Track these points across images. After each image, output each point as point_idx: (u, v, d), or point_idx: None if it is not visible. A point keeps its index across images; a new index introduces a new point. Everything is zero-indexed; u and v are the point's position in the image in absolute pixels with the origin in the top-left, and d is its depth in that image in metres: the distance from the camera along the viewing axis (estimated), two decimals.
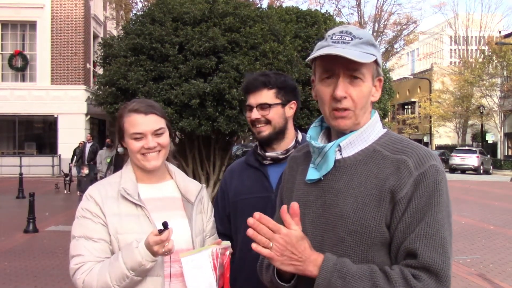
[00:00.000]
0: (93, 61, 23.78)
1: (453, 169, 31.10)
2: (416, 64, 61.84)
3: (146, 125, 1.84)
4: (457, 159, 31.31)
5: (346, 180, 1.40)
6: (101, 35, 26.30)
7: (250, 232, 1.35)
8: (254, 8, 9.34)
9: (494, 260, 7.78)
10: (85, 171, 10.91)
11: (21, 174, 15.78)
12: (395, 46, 37.91)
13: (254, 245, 1.34)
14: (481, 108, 35.97)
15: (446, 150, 37.46)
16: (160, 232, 1.63)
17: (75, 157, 17.42)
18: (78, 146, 17.74)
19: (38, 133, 25.39)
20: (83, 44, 23.93)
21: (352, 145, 1.43)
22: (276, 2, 28.42)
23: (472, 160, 30.87)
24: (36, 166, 22.71)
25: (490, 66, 36.62)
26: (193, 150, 9.28)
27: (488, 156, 33.89)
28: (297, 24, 10.34)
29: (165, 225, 1.64)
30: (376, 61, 1.42)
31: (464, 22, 44.75)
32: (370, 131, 1.45)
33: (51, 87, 23.60)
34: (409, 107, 51.40)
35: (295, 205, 1.37)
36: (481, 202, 15.52)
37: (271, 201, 2.11)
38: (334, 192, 1.42)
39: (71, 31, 23.83)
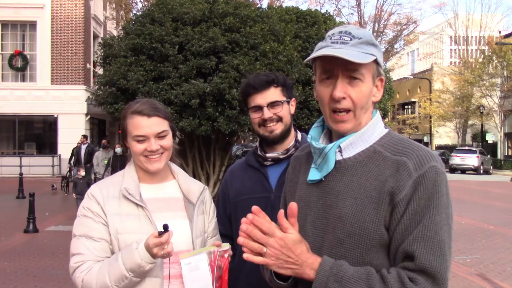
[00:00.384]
0: (93, 61, 23.78)
1: (453, 169, 31.09)
2: (416, 64, 61.82)
3: (149, 128, 1.83)
4: (457, 159, 31.31)
5: (346, 181, 1.40)
6: (101, 35, 26.30)
7: (240, 240, 1.33)
8: (254, 8, 9.34)
9: (494, 260, 7.78)
10: (82, 173, 10.66)
11: (21, 174, 15.78)
12: (395, 46, 37.89)
13: (245, 255, 1.33)
14: (481, 108, 35.96)
15: (446, 150, 37.47)
16: (160, 234, 1.63)
17: (73, 157, 17.19)
18: (76, 146, 17.46)
19: (38, 133, 25.38)
20: (83, 44, 23.92)
21: (352, 145, 1.42)
22: (276, 2, 28.41)
23: (472, 160, 30.87)
24: (36, 166, 22.71)
25: (490, 66, 36.62)
26: (193, 150, 9.28)
27: (488, 156, 33.89)
28: (297, 24, 10.34)
29: (165, 227, 1.63)
30: (376, 61, 1.41)
31: (464, 22, 44.74)
32: (371, 131, 1.44)
33: (51, 87, 23.60)
34: (409, 107, 51.39)
35: (293, 205, 1.35)
36: (481, 202, 15.52)
37: (270, 201, 2.11)
38: (334, 193, 1.41)
39: (71, 31, 23.83)
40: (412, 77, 50.94)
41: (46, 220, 10.74)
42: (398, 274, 1.27)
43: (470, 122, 41.38)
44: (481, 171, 30.88)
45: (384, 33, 36.46)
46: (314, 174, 1.47)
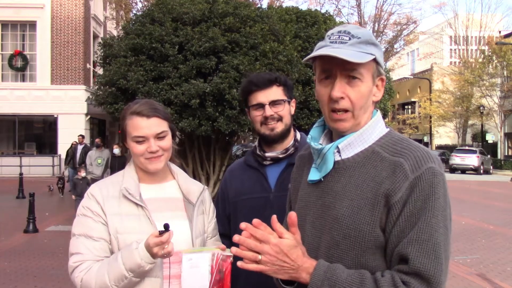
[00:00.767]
0: (93, 61, 23.77)
1: (453, 169, 31.09)
2: (416, 64, 61.81)
3: (148, 129, 1.83)
4: (457, 159, 31.30)
5: (344, 182, 1.39)
6: (101, 35, 26.30)
7: (233, 250, 1.33)
8: (254, 8, 9.34)
9: (494, 260, 7.78)
10: (82, 173, 10.55)
11: (21, 174, 15.78)
12: (395, 46, 37.85)
13: (239, 263, 1.32)
14: (481, 108, 35.96)
15: (446, 150, 37.46)
16: (161, 233, 1.63)
17: (68, 158, 16.80)
18: (71, 147, 17.07)
19: (38, 133, 25.38)
20: (83, 44, 23.92)
21: (351, 146, 1.42)
22: (276, 2, 28.39)
23: (472, 160, 30.86)
24: (36, 166, 22.71)
25: (490, 66, 36.61)
26: (193, 150, 9.28)
27: (488, 156, 33.89)
28: (297, 24, 10.34)
29: (166, 226, 1.63)
30: (376, 60, 1.40)
31: (464, 22, 44.73)
32: (371, 131, 1.42)
33: (51, 87, 23.60)
34: (409, 107, 51.39)
35: (292, 215, 1.35)
36: (481, 202, 15.52)
37: (269, 201, 2.12)
38: (332, 194, 1.41)
39: (71, 31, 23.83)
40: (412, 77, 50.94)
41: (46, 220, 10.74)
42: (392, 277, 1.26)
43: (470, 122, 41.38)
44: (481, 171, 30.88)
45: (384, 33, 36.44)
46: (313, 175, 1.47)
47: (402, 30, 37.10)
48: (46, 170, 22.86)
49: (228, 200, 2.24)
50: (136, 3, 25.39)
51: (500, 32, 41.75)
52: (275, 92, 2.13)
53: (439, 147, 43.29)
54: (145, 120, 1.83)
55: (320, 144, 1.48)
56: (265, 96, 2.12)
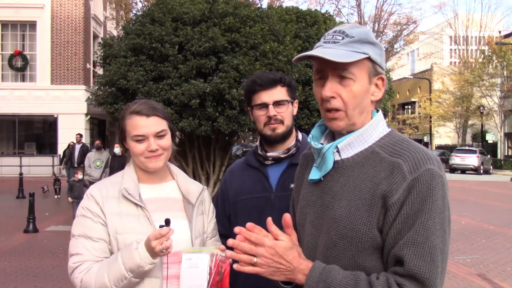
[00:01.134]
0: (93, 61, 23.77)
1: (453, 169, 31.10)
2: (416, 64, 61.81)
3: (148, 128, 1.83)
4: (457, 159, 31.31)
5: (343, 182, 1.39)
6: (101, 35, 26.30)
7: (228, 253, 1.34)
8: (254, 8, 9.34)
9: (494, 260, 7.78)
10: (79, 175, 10.24)
11: (21, 174, 15.76)
12: (395, 46, 37.85)
13: (236, 266, 1.33)
14: (481, 108, 35.96)
15: (446, 150, 37.47)
16: (161, 228, 1.64)
17: (64, 159, 16.22)
18: (68, 147, 16.51)
19: (38, 133, 25.38)
20: (83, 44, 23.93)
21: (351, 146, 1.41)
22: (276, 2, 28.40)
23: (472, 160, 30.87)
24: (36, 166, 22.71)
25: (490, 66, 36.61)
26: (193, 150, 9.28)
27: (488, 156, 33.89)
28: (297, 24, 10.34)
29: (167, 221, 1.64)
30: (372, 59, 1.38)
31: (464, 22, 44.73)
32: (371, 131, 1.41)
33: (51, 87, 23.60)
34: (409, 107, 51.39)
35: (287, 217, 1.37)
36: (481, 202, 15.52)
37: (270, 201, 2.11)
38: (331, 193, 1.41)
39: (71, 31, 23.83)
40: (412, 77, 50.94)
41: (46, 220, 10.74)
42: (386, 279, 1.26)
43: (470, 122, 41.38)
44: (481, 171, 30.88)
45: (384, 33, 36.44)
46: (314, 174, 1.47)
47: (402, 30, 37.11)
48: (46, 170, 22.86)
49: (228, 200, 2.24)
50: (136, 3, 25.40)
51: (500, 32, 41.75)
52: (279, 93, 2.13)
53: (439, 147, 43.29)
54: (144, 119, 1.83)
55: (321, 143, 1.48)
56: (269, 96, 2.11)
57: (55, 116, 23.76)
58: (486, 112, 36.62)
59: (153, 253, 1.65)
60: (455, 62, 50.56)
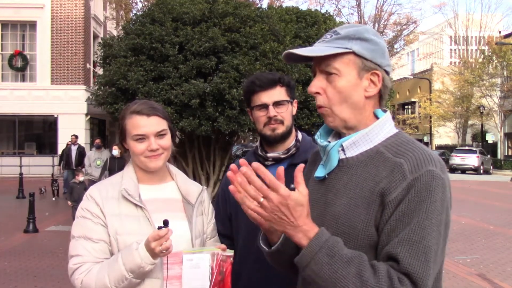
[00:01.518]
0: (93, 61, 23.78)
1: (453, 169, 31.09)
2: (416, 64, 61.81)
3: (148, 127, 1.83)
4: (457, 159, 31.31)
5: (346, 180, 1.40)
6: (101, 35, 26.30)
7: (232, 188, 1.30)
8: (254, 8, 9.34)
9: (494, 260, 7.78)
10: (80, 177, 10.05)
11: (21, 174, 15.76)
12: (395, 46, 37.87)
13: (231, 188, 1.29)
14: (481, 108, 35.97)
15: (446, 150, 37.46)
16: (160, 229, 1.63)
17: (62, 160, 15.86)
18: (66, 147, 16.17)
19: (38, 133, 25.39)
20: (83, 44, 23.93)
21: (355, 145, 1.41)
22: (276, 2, 28.40)
23: (472, 160, 30.87)
24: (36, 166, 22.70)
25: (490, 66, 36.62)
26: (193, 150, 9.28)
27: (488, 156, 33.90)
28: (297, 24, 10.34)
29: (165, 222, 1.64)
30: (358, 54, 1.38)
31: (464, 22, 44.73)
32: (377, 131, 1.41)
33: (51, 87, 23.60)
34: (409, 107, 51.40)
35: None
36: (481, 202, 15.52)
37: None
38: (334, 191, 1.41)
39: (71, 31, 23.83)
40: (412, 77, 50.94)
41: (46, 220, 10.74)
42: (387, 269, 1.24)
43: (470, 122, 41.38)
44: (481, 171, 30.89)
45: (384, 33, 36.44)
46: (320, 171, 1.48)
47: (402, 30, 37.13)
48: (46, 170, 22.84)
49: (230, 200, 2.24)
50: (136, 3, 25.42)
51: (500, 32, 41.76)
52: (279, 93, 2.13)
53: (439, 147, 43.30)
54: (145, 118, 1.83)
55: (328, 141, 1.48)
56: (268, 96, 2.12)
57: (55, 116, 23.76)
58: (486, 112, 36.63)
59: (153, 253, 1.65)
60: (455, 62, 50.56)
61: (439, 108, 40.45)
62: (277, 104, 2.11)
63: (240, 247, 2.13)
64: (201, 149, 9.31)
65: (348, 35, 1.39)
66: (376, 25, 35.85)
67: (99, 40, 13.02)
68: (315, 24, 10.54)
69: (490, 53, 36.48)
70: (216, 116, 7.91)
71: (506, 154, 38.53)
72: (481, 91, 36.89)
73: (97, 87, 9.41)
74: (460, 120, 41.48)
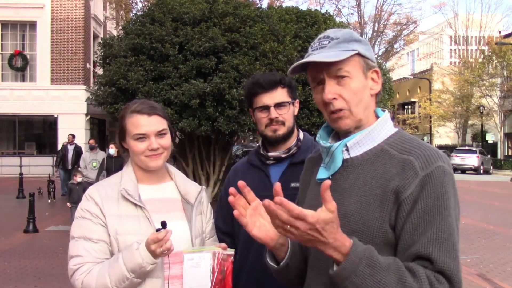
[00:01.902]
0: (93, 61, 23.78)
1: (453, 169, 30.73)
2: (416, 64, 61.84)
3: (149, 126, 1.83)
4: (457, 159, 31.30)
5: (353, 179, 1.40)
6: (101, 35, 26.30)
7: (236, 213, 1.36)
8: (254, 8, 9.35)
9: (494, 260, 7.78)
10: (78, 178, 9.79)
11: (21, 174, 15.75)
12: (395, 46, 37.90)
13: (254, 231, 1.34)
14: (481, 108, 35.97)
15: (446, 150, 37.45)
16: (158, 231, 1.63)
17: (57, 159, 15.47)
18: (62, 147, 15.75)
19: (38, 133, 25.38)
20: (83, 44, 23.92)
21: (359, 144, 1.43)
22: (276, 2, 28.40)
23: (472, 160, 30.87)
24: (36, 166, 22.70)
25: (490, 66, 36.62)
26: (193, 150, 9.28)
27: (488, 156, 33.90)
28: (297, 24, 10.33)
29: (163, 224, 1.63)
30: (362, 55, 1.41)
31: (464, 22, 44.73)
32: (379, 130, 1.44)
33: (51, 87, 23.60)
34: (409, 107, 51.40)
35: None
36: (481, 202, 15.52)
37: (271, 200, 2.12)
38: (340, 191, 1.42)
39: (71, 31, 23.83)
40: (412, 77, 50.95)
41: (46, 220, 10.74)
42: (425, 271, 1.25)
43: (470, 122, 41.39)
44: (481, 171, 30.89)
45: (384, 33, 36.48)
46: (322, 173, 1.49)
47: (402, 30, 37.13)
48: (46, 170, 22.82)
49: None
50: (136, 3, 25.41)
51: (500, 32, 41.76)
52: (280, 94, 2.14)
53: (439, 147, 43.22)
54: (146, 117, 1.84)
55: (329, 143, 1.49)
56: (270, 98, 2.13)
57: (55, 116, 23.76)
58: (486, 112, 36.63)
59: (154, 254, 1.66)
60: (455, 62, 50.56)
61: (439, 108, 40.46)
62: (278, 105, 2.13)
63: (241, 246, 2.15)
64: (201, 149, 9.32)
65: (346, 38, 1.41)
66: (376, 25, 35.88)
67: (99, 40, 13.00)
68: (315, 24, 10.53)
69: (490, 53, 36.48)
70: (216, 116, 7.91)
71: (506, 154, 38.53)
72: (481, 91, 36.89)
73: (97, 87, 9.42)
74: (460, 120, 41.49)
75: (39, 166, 22.72)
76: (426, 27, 60.41)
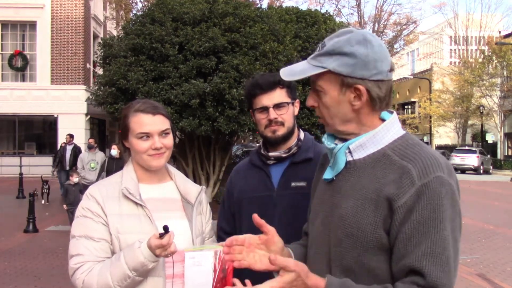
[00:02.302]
0: (93, 61, 23.78)
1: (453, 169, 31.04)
2: (416, 64, 61.85)
3: (153, 126, 1.84)
4: (457, 159, 31.28)
5: (353, 182, 1.41)
6: (101, 35, 26.30)
7: (236, 264, 1.44)
8: (254, 8, 9.35)
9: (494, 260, 7.78)
10: (74, 179, 9.59)
11: (21, 174, 15.75)
12: (395, 46, 37.87)
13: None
14: (481, 108, 35.97)
15: (446, 150, 37.45)
16: (161, 236, 1.62)
17: (55, 159, 15.05)
18: (61, 147, 15.40)
19: (38, 133, 25.38)
20: (83, 44, 23.92)
21: (363, 147, 1.42)
22: (276, 2, 28.40)
23: (472, 160, 30.87)
24: (36, 166, 22.69)
25: (490, 66, 36.62)
26: (193, 150, 9.29)
27: (488, 156, 33.89)
28: (297, 24, 10.34)
29: (165, 228, 1.62)
30: (335, 72, 1.37)
31: (464, 22, 44.74)
32: (384, 134, 1.42)
33: (51, 87, 23.60)
34: (409, 107, 51.40)
35: (256, 217, 1.46)
36: (481, 202, 15.52)
37: (272, 199, 2.16)
38: (341, 193, 1.43)
39: (71, 31, 23.83)
40: (412, 77, 50.95)
41: (46, 220, 10.74)
42: None
43: (470, 122, 41.39)
44: (481, 171, 30.89)
45: (384, 33, 36.47)
46: (328, 173, 1.50)
47: (402, 30, 37.14)
48: (46, 170, 22.82)
49: (233, 198, 2.28)
50: (136, 3, 25.42)
51: (500, 32, 41.76)
52: (279, 95, 2.15)
53: (439, 147, 43.28)
54: (150, 117, 1.84)
55: (335, 144, 1.49)
56: (269, 99, 2.14)
57: (55, 116, 23.76)
58: (486, 112, 36.63)
59: (156, 255, 1.67)
60: (455, 62, 50.57)
61: (439, 108, 40.45)
62: (277, 106, 2.13)
63: None
64: (201, 149, 9.32)
65: (329, 50, 1.38)
66: (376, 25, 35.89)
67: (99, 40, 12.98)
68: (315, 24, 10.54)
69: (490, 53, 36.48)
70: (216, 116, 7.91)
71: (506, 154, 38.53)
72: (481, 91, 36.89)
73: (97, 87, 9.42)
74: (460, 120, 41.49)
75: (39, 166, 22.71)
76: (426, 27, 60.47)
